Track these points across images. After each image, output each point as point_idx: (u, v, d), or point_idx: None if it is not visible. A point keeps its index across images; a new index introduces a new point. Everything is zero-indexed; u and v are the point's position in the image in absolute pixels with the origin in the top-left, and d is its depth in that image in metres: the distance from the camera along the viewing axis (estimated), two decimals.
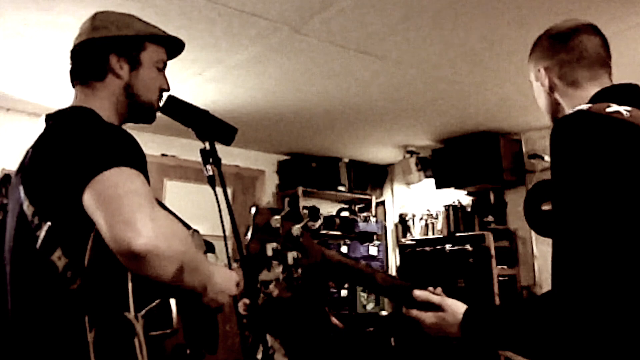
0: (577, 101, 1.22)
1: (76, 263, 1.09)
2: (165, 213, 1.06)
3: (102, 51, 1.32)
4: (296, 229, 1.14)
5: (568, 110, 1.23)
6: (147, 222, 0.99)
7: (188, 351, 1.14)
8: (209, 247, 1.40)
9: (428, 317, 1.20)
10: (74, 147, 1.11)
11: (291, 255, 1.13)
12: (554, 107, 1.31)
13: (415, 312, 1.22)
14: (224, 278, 1.24)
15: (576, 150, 1.03)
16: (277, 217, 1.13)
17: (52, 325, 1.11)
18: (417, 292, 1.23)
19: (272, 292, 2.91)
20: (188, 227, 1.42)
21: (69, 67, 1.36)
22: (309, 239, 1.17)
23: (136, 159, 1.11)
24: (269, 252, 1.12)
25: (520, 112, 4.29)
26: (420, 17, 2.78)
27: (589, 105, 1.14)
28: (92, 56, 1.32)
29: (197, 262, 1.13)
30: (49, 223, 1.11)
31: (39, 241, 1.12)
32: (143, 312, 1.07)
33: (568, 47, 1.27)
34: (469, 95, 3.93)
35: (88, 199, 1.03)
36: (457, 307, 1.18)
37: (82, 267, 1.08)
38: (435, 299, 1.21)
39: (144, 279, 1.04)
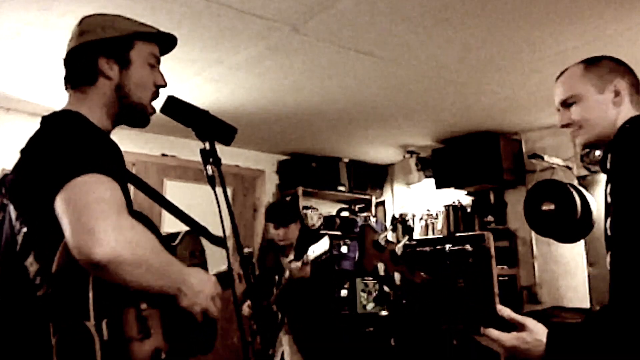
0: (625, 118, 1.43)
1: (45, 269, 1.09)
2: (132, 222, 1.06)
3: (90, 55, 1.33)
4: (399, 248, 1.22)
5: (616, 125, 1.42)
6: (109, 231, 0.99)
7: (163, 355, 1.12)
8: (219, 242, 1.38)
9: (509, 338, 1.19)
10: (51, 153, 1.12)
11: (397, 276, 1.21)
12: (610, 122, 1.46)
13: (495, 333, 1.20)
14: (200, 280, 1.23)
15: None
16: (383, 235, 1.22)
17: (21, 328, 1.12)
18: (501, 307, 1.23)
19: (293, 272, 3.00)
20: (193, 225, 1.41)
21: (63, 73, 1.38)
22: (409, 260, 1.24)
23: (110, 165, 1.11)
24: (381, 272, 1.20)
25: (520, 112, 4.29)
26: (420, 18, 2.78)
27: None
28: (82, 61, 1.34)
29: (165, 266, 1.12)
30: (25, 228, 1.13)
31: (18, 245, 1.14)
32: (106, 319, 1.05)
33: (634, 75, 1.51)
34: (469, 95, 3.92)
35: (58, 206, 1.04)
36: (538, 329, 1.17)
37: (50, 273, 1.07)
38: (519, 316, 1.21)
39: (109, 287, 1.04)
